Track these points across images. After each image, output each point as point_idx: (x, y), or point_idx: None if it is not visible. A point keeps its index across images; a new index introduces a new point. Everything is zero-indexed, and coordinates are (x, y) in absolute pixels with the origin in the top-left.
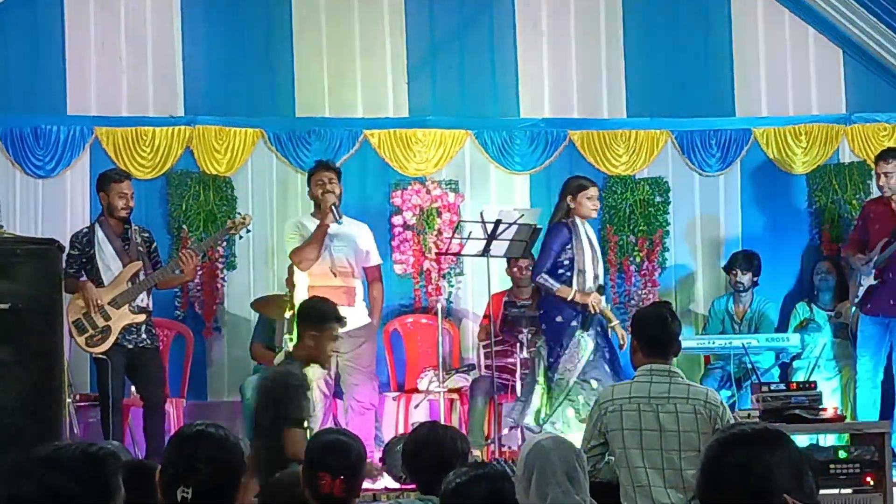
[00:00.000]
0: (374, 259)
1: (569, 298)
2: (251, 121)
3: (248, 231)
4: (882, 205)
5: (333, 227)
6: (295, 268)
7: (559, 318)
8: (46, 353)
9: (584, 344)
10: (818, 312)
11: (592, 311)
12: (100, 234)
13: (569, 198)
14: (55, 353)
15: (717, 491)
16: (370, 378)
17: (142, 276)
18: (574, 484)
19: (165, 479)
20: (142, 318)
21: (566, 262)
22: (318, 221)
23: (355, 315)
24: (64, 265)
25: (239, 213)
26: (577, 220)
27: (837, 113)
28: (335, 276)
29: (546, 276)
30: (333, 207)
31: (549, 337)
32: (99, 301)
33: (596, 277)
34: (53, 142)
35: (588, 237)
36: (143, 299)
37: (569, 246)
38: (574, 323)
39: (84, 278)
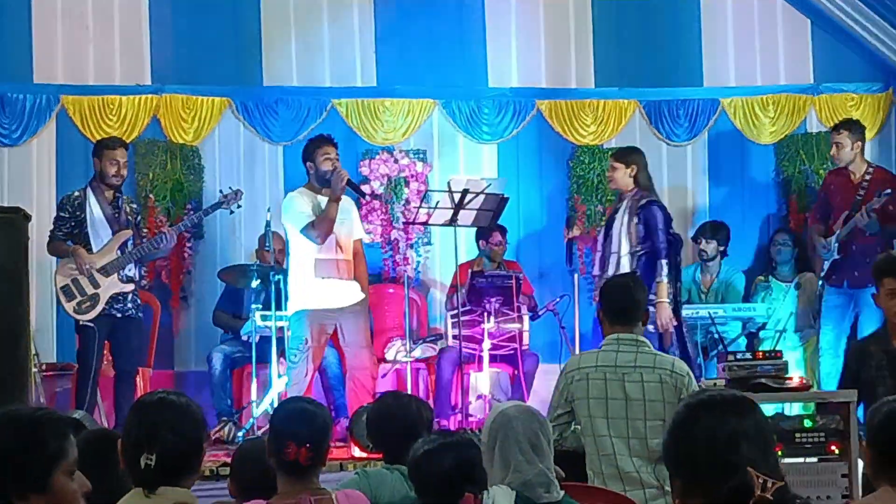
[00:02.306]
0: (359, 232)
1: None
2: (218, 89)
3: (240, 206)
4: (842, 176)
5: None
6: (296, 240)
7: None
8: (11, 321)
9: None
10: (777, 285)
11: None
12: (92, 199)
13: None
14: (20, 321)
15: (683, 457)
16: (370, 352)
17: (130, 245)
18: (537, 452)
19: (128, 447)
20: (130, 287)
21: None
22: (315, 195)
23: (354, 290)
24: (52, 228)
25: (231, 188)
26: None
27: (805, 83)
28: (341, 249)
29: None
30: (352, 184)
31: None
32: (90, 267)
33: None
34: (19, 110)
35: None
36: (130, 269)
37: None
38: None
39: (70, 243)
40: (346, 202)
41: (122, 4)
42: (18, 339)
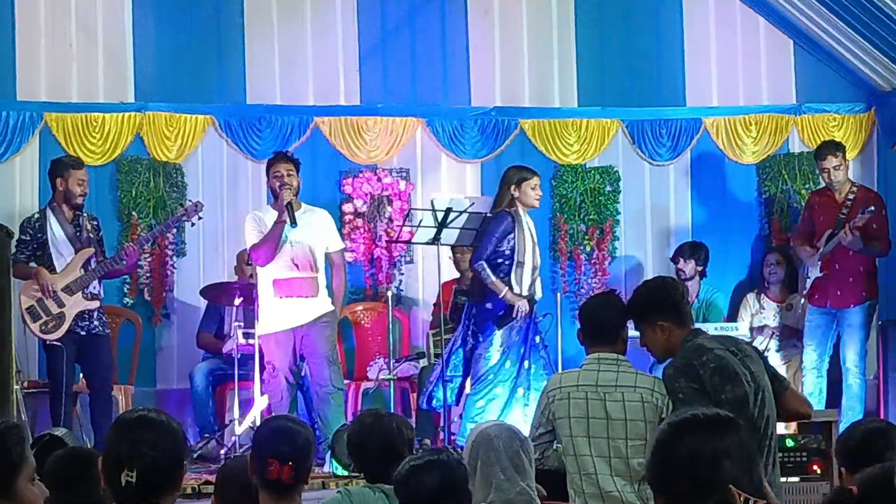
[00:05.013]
0: (335, 245)
1: (500, 295)
2: (202, 107)
3: (200, 218)
4: (825, 196)
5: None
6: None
7: (489, 305)
8: None
9: (493, 346)
10: (768, 304)
11: (515, 315)
12: (52, 219)
13: (512, 187)
14: (4, 339)
15: (665, 477)
16: (328, 363)
17: (93, 263)
18: (519, 471)
19: (108, 465)
20: (95, 304)
21: (507, 252)
22: (276, 214)
23: (318, 304)
24: (14, 251)
25: (190, 200)
26: (520, 210)
27: (787, 103)
28: (297, 268)
29: (485, 265)
30: (289, 208)
31: (476, 322)
32: (53, 287)
33: (534, 269)
34: (2, 127)
35: (529, 228)
36: (94, 286)
37: (511, 235)
38: (501, 313)
39: (34, 264)
40: (313, 217)
41: (105, 22)
42: (1, 356)
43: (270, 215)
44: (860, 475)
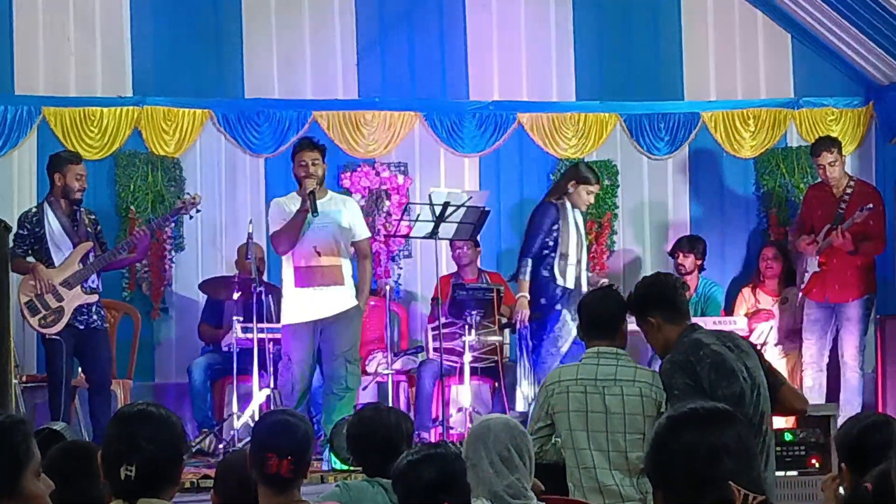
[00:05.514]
0: (361, 233)
1: (517, 295)
2: (200, 101)
3: (199, 211)
4: (823, 191)
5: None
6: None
7: (542, 301)
8: None
9: (569, 327)
10: (763, 298)
11: (514, 320)
12: (49, 214)
13: (571, 182)
14: (2, 333)
15: (663, 471)
16: (345, 361)
17: (91, 257)
18: (508, 465)
19: (107, 459)
20: (94, 298)
21: (550, 244)
22: (300, 201)
23: (341, 296)
24: (11, 245)
25: (188, 193)
26: (567, 204)
27: (785, 97)
28: (319, 255)
29: (529, 263)
30: (311, 197)
31: (533, 319)
32: (51, 282)
33: (579, 262)
34: (0, 122)
35: (576, 222)
36: (93, 280)
37: (556, 226)
38: (558, 306)
39: (31, 259)
40: (338, 203)
41: (103, 16)
42: (0, 350)
43: (295, 202)
44: (874, 472)
